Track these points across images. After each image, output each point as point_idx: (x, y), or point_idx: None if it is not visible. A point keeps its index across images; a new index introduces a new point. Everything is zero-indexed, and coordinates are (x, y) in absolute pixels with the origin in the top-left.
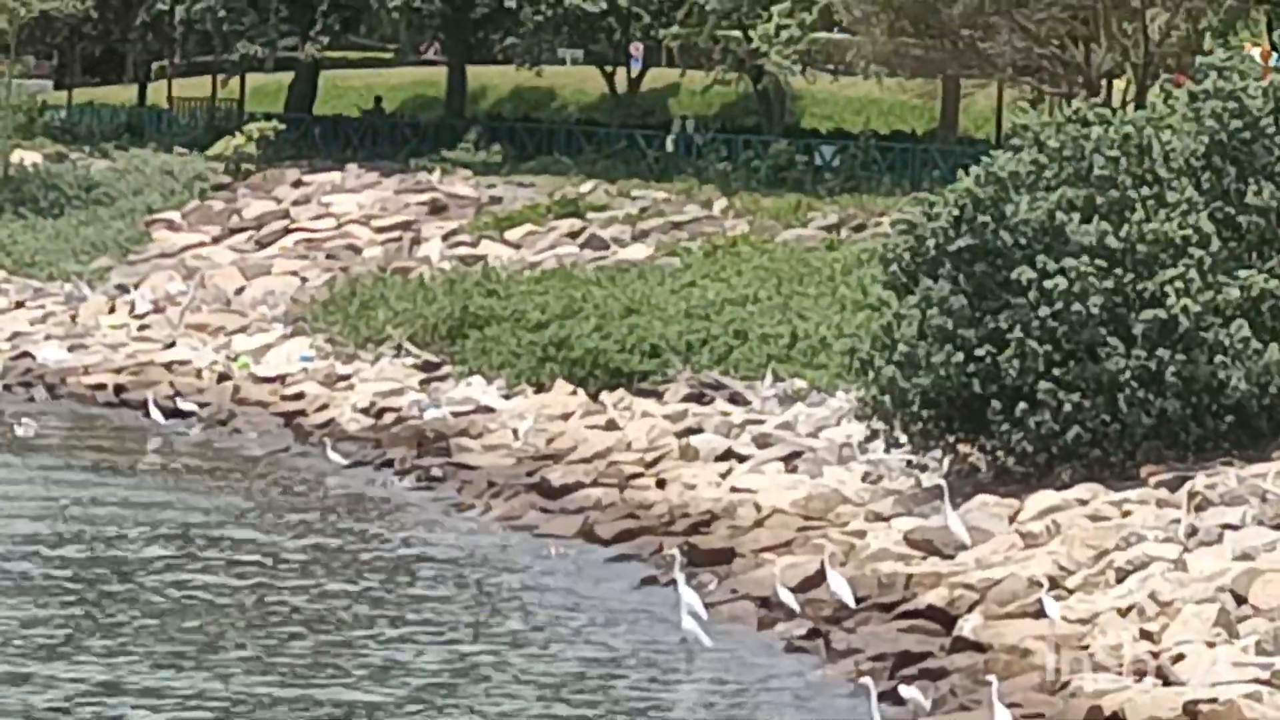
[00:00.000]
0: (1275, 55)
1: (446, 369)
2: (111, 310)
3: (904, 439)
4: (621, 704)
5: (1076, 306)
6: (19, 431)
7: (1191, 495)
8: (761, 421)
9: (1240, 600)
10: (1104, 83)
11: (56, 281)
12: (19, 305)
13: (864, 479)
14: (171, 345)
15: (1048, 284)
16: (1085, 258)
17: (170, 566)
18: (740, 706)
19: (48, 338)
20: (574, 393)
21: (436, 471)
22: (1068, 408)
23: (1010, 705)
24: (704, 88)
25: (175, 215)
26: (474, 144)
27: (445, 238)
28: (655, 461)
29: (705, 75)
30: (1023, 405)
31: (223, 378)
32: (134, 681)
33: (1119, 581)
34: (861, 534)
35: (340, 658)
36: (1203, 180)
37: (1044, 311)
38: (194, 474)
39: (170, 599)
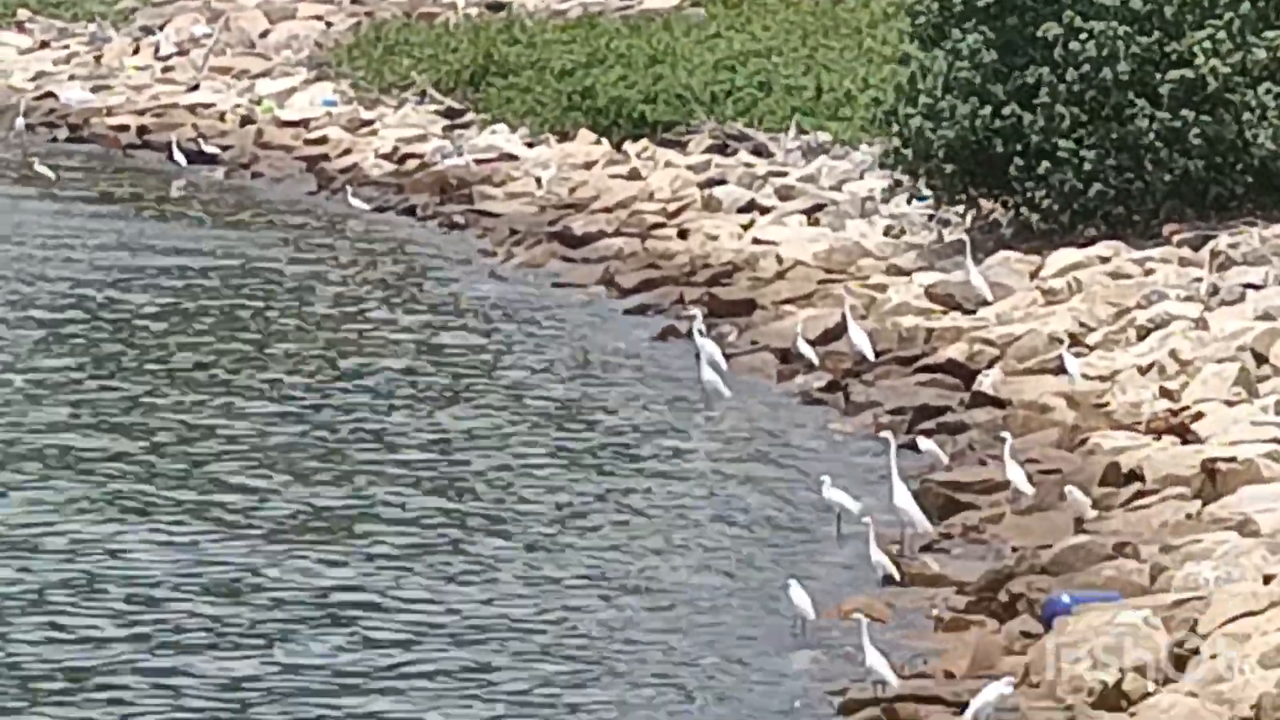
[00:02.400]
0: None
1: (470, 116)
2: (135, 52)
3: (927, 193)
4: (638, 454)
5: (1104, 71)
6: (41, 170)
7: (1214, 254)
8: (785, 174)
9: (1261, 360)
10: None
11: (81, 22)
12: (44, 45)
13: (886, 233)
14: (195, 88)
15: (1074, 46)
16: (1114, 20)
17: (203, 303)
18: (758, 457)
19: (71, 78)
20: (597, 142)
21: (458, 218)
22: (1089, 165)
23: (1028, 461)
24: None
25: None
26: None
27: None
28: (677, 212)
29: None
30: (1046, 164)
31: (246, 121)
32: (170, 404)
33: (1139, 339)
34: (882, 288)
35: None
36: None
37: (1071, 75)
38: (219, 214)
39: (201, 333)
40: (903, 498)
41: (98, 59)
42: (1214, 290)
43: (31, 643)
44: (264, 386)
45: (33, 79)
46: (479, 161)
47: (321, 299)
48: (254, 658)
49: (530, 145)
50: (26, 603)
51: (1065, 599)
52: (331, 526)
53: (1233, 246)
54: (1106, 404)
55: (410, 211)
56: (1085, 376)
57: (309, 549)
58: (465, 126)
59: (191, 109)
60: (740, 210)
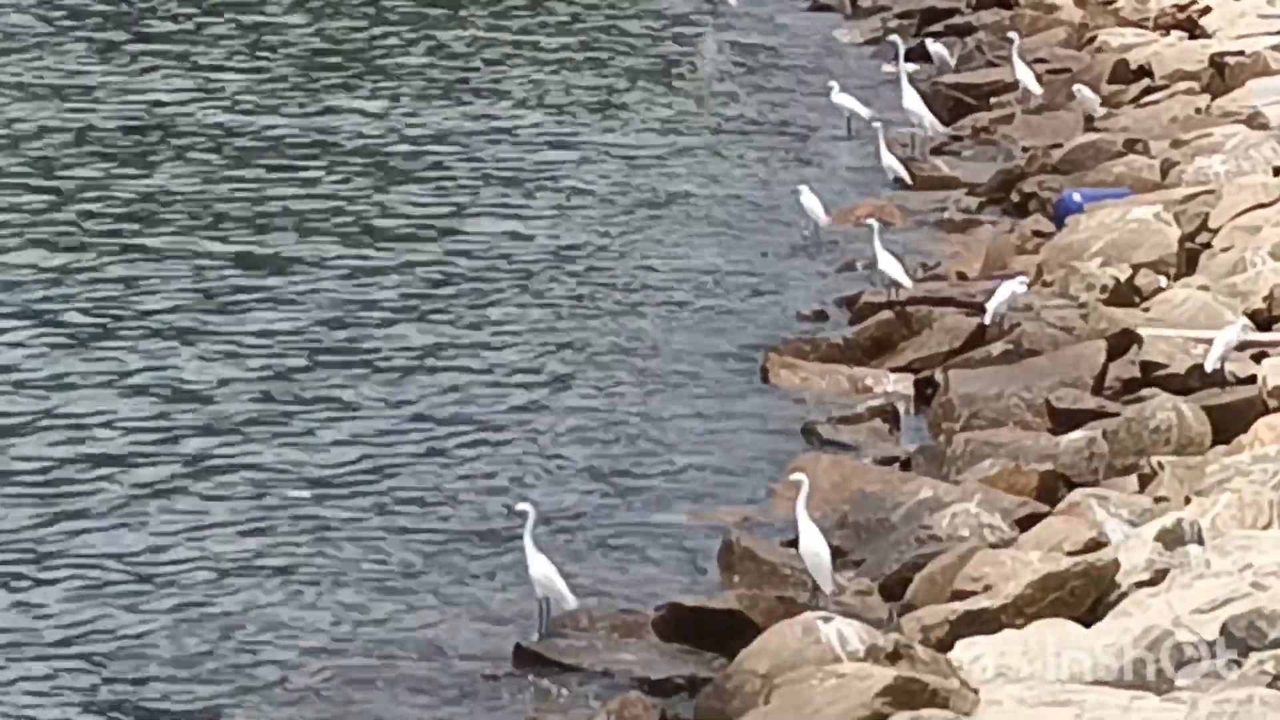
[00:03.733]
0: None
1: None
2: None
3: None
4: (647, 61)
5: None
6: None
7: None
8: None
9: None
10: None
11: None
12: None
13: None
14: None
15: None
16: None
17: None
18: (765, 66)
19: None
20: None
21: None
22: None
23: (1036, 60)
24: None
25: None
26: None
27: None
28: None
29: None
30: None
31: None
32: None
33: None
34: None
35: None
36: None
37: None
38: None
39: None
40: (912, 101)
41: None
42: None
43: None
44: None
45: None
46: None
47: None
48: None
49: None
50: None
51: (1076, 197)
52: None
53: None
54: (1114, 1)
55: None
56: None
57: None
58: None
59: None
60: None
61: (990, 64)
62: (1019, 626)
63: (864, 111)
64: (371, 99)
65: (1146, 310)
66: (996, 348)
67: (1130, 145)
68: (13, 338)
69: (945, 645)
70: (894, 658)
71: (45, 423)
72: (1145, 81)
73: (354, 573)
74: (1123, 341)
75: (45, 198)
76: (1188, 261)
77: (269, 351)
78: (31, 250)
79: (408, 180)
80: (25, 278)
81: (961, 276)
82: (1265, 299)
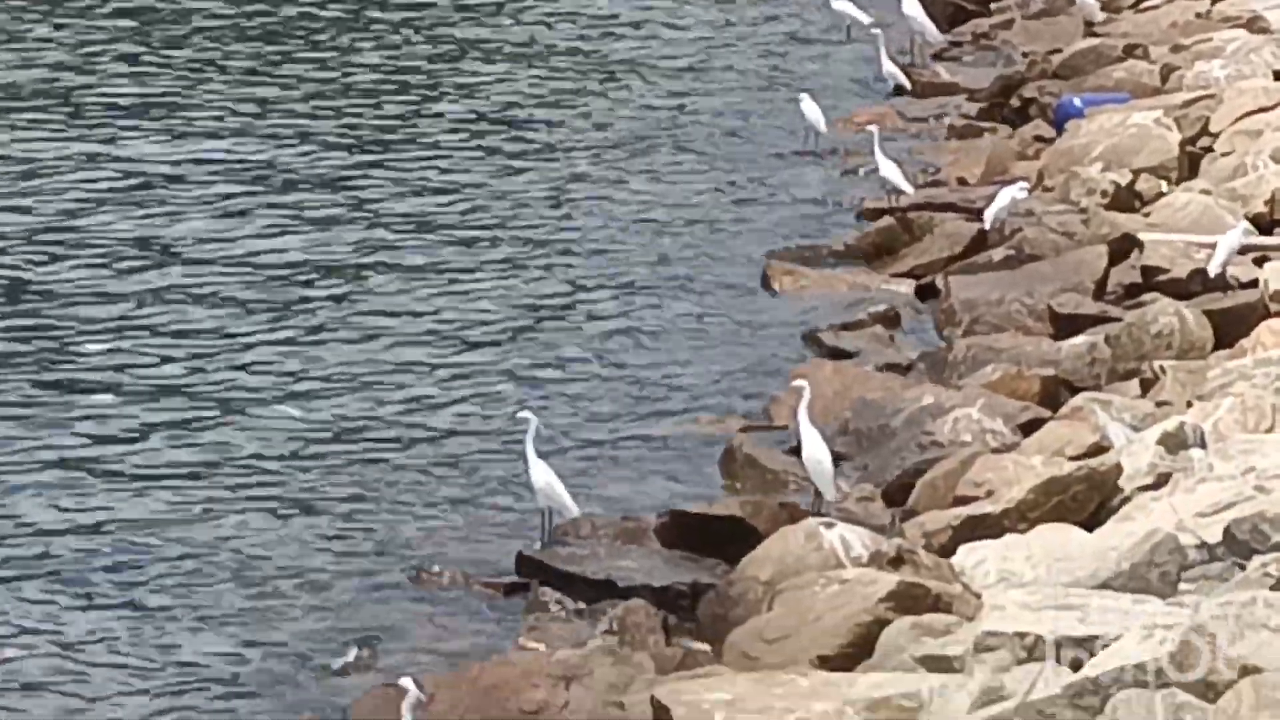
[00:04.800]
0: None
1: None
2: None
3: None
4: None
5: None
6: None
7: None
8: None
9: None
10: None
11: None
12: None
13: None
14: None
15: None
16: None
17: None
18: None
19: None
20: None
21: None
22: None
23: None
24: None
25: None
26: None
27: None
28: None
29: None
30: None
31: None
32: None
33: None
34: None
35: None
36: None
37: None
38: None
39: None
40: (911, 6)
41: None
42: None
43: None
44: None
45: None
46: None
47: None
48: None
49: None
50: None
51: (1077, 102)
52: None
53: None
54: None
55: None
56: None
57: None
58: None
59: None
60: None
61: None
62: (1021, 531)
63: (864, 18)
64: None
65: (1148, 215)
66: (998, 253)
67: (1130, 50)
68: None
69: (948, 550)
70: (896, 563)
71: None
72: None
73: (355, 483)
74: (1124, 246)
75: None
76: (1189, 166)
77: (283, 258)
78: None
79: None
80: None
81: (962, 182)
82: (1267, 203)
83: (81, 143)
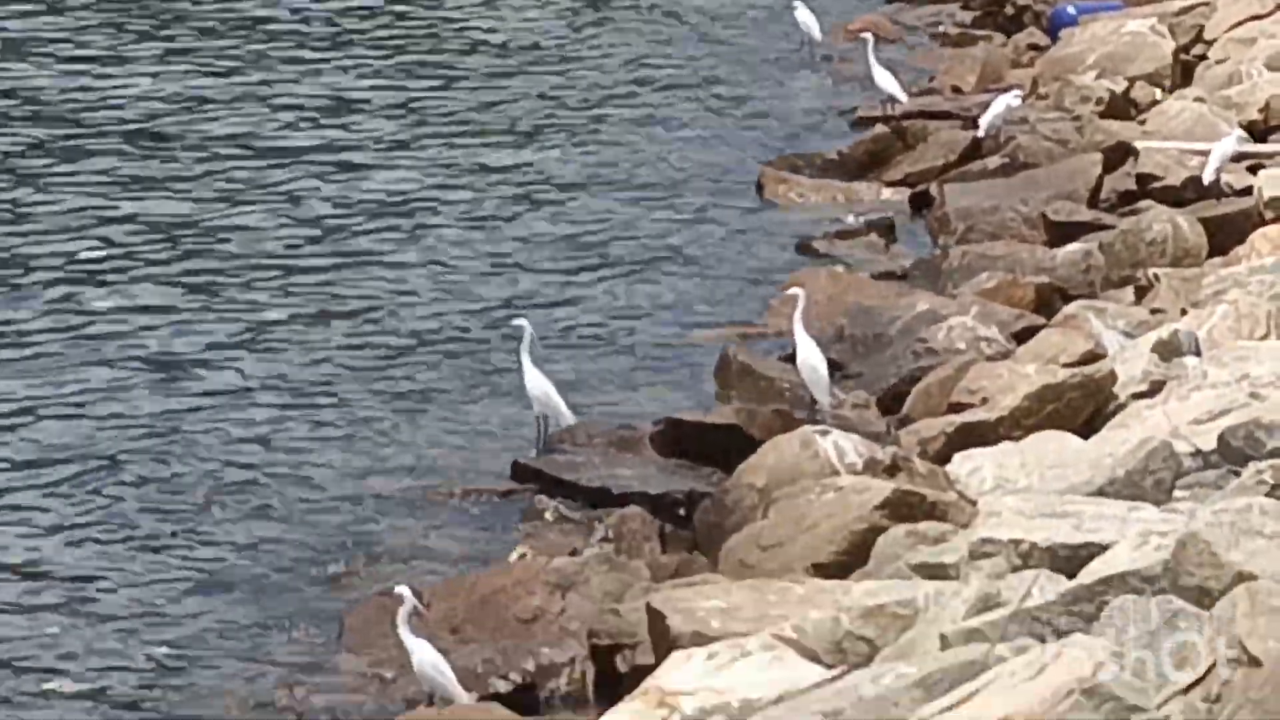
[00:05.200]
0: None
1: None
2: None
3: None
4: None
5: None
6: None
7: None
8: None
9: None
10: None
11: None
12: None
13: None
14: None
15: None
16: None
17: None
18: None
19: None
20: None
21: None
22: None
23: None
24: None
25: None
26: None
27: None
28: None
29: None
30: None
31: None
32: None
33: None
34: None
35: None
36: None
37: None
38: None
39: None
40: None
41: None
42: None
43: None
44: None
45: None
46: None
47: None
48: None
49: None
50: None
51: (1071, 10)
52: None
53: None
54: None
55: None
56: None
57: None
58: None
59: None
60: None
61: None
62: (1016, 439)
63: None
64: None
65: (1142, 123)
66: (992, 161)
67: None
68: None
69: (942, 458)
70: (891, 471)
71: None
72: None
73: (350, 394)
74: (1118, 154)
75: None
76: (1183, 73)
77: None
78: None
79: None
80: None
81: (956, 90)
82: (1261, 110)
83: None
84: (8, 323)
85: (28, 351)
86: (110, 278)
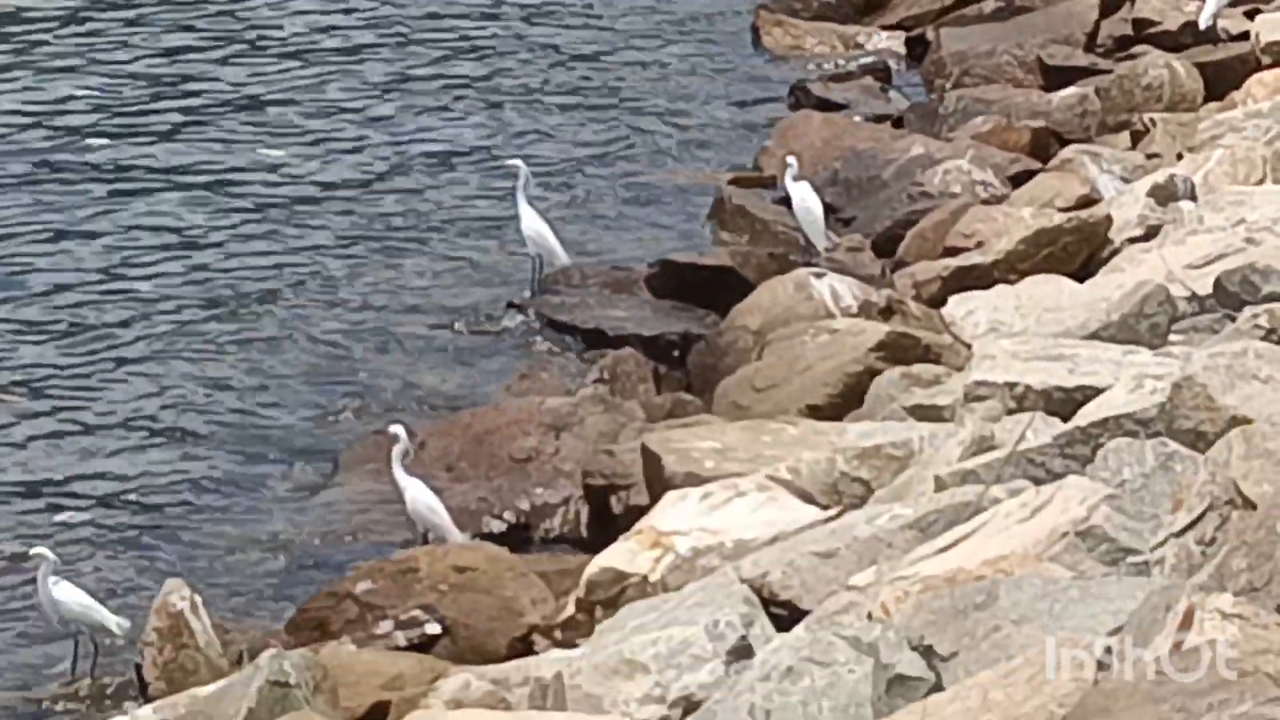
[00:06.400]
0: None
1: None
2: None
3: None
4: None
5: None
6: None
7: None
8: None
9: None
10: None
11: None
12: None
13: None
14: None
15: None
16: None
17: None
18: None
19: None
20: None
21: None
22: None
23: None
24: None
25: None
26: None
27: None
28: None
29: None
30: None
31: None
32: None
33: None
34: None
35: None
36: None
37: None
38: None
39: None
40: None
41: None
42: None
43: None
44: None
45: None
46: None
47: None
48: None
49: None
50: None
51: None
52: None
53: None
54: None
55: None
56: None
57: None
58: None
59: None
60: None
61: None
62: (1011, 282)
63: None
64: None
65: None
66: (988, 5)
67: None
68: None
69: (938, 301)
70: (886, 313)
71: None
72: None
73: (344, 232)
74: None
75: None
76: None
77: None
78: None
79: None
80: None
81: None
82: None
83: None
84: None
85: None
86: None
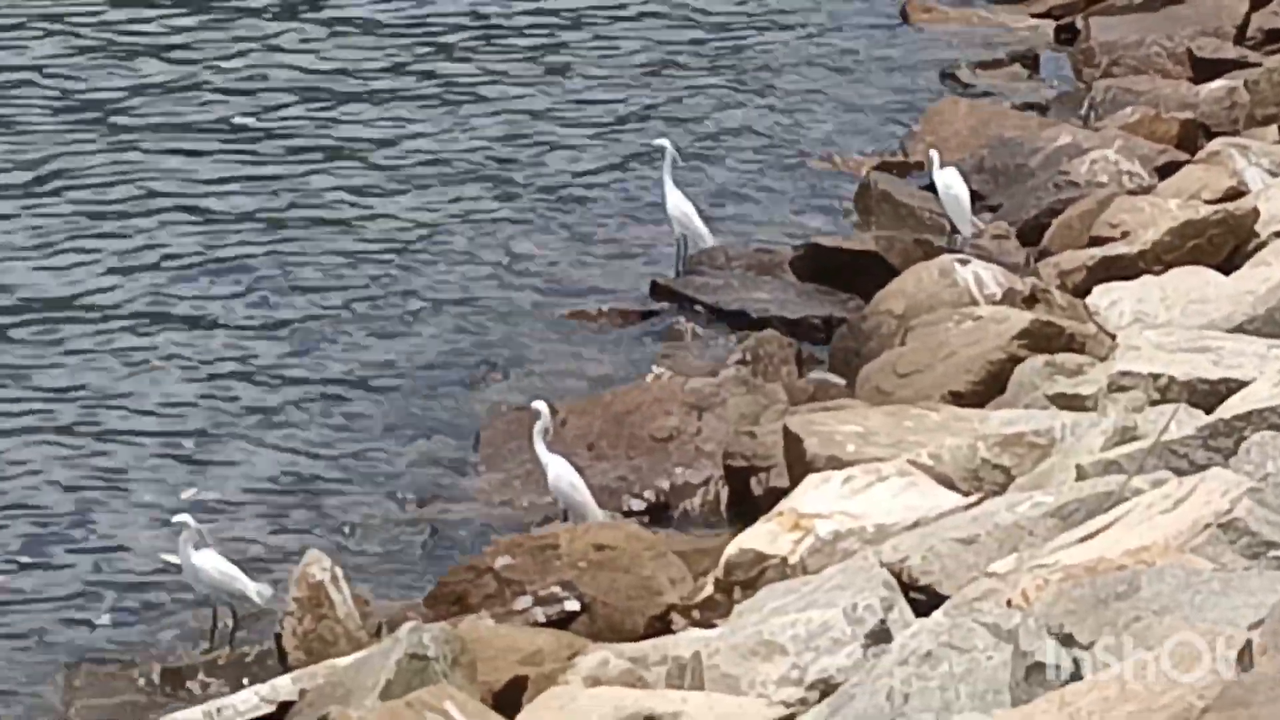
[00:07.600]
0: None
1: None
2: None
3: None
4: None
5: None
6: None
7: None
8: None
9: None
10: None
11: None
12: None
13: None
14: None
15: None
16: None
17: None
18: None
19: None
20: None
21: None
22: None
23: None
24: None
25: None
26: None
27: None
28: None
29: None
30: None
31: None
32: None
33: None
34: None
35: None
36: None
37: None
38: None
39: None
40: None
41: None
42: None
43: None
44: None
45: None
46: None
47: None
48: None
49: None
50: None
51: None
52: None
53: None
54: None
55: None
56: None
57: None
58: None
59: None
60: None
61: None
62: (1157, 273)
63: None
64: None
65: None
66: None
67: None
68: None
69: (1082, 291)
70: (1031, 302)
71: None
72: None
73: (494, 212)
74: None
75: None
76: None
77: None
78: None
79: None
80: None
81: None
82: None
83: None
84: None
85: None
86: None
